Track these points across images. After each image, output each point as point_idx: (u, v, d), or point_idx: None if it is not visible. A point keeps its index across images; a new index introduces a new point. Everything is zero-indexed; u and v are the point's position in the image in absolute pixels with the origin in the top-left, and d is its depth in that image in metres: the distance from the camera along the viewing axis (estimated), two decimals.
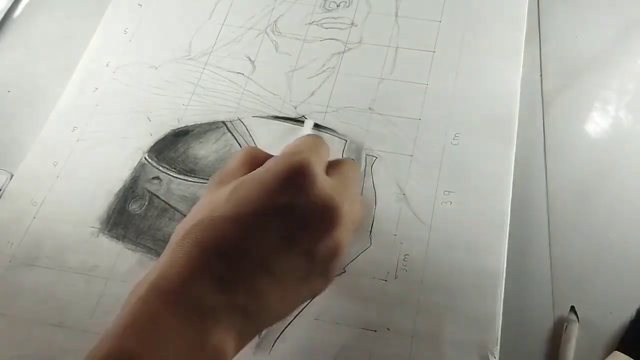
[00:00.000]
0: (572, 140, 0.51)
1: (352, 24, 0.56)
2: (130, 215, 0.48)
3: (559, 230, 0.46)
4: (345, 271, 0.44)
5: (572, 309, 0.42)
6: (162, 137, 0.51)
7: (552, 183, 0.48)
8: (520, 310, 0.43)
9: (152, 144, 0.51)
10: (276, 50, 0.55)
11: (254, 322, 0.32)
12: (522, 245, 0.46)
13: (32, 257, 0.46)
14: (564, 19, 0.57)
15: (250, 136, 0.50)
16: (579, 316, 0.42)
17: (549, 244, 0.46)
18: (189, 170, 0.49)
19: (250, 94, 0.53)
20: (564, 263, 0.45)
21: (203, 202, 0.35)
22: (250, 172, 0.35)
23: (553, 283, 0.44)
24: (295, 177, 0.33)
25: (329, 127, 0.50)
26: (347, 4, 0.58)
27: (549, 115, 0.52)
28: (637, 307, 0.43)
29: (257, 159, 0.37)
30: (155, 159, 0.50)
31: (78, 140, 0.52)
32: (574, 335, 0.41)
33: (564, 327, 0.42)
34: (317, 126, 0.50)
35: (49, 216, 0.48)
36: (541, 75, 0.54)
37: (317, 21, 0.57)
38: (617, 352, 0.41)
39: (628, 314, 0.43)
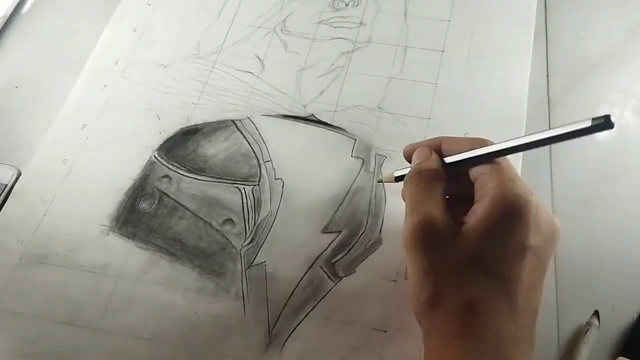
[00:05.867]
0: (577, 141, 0.50)
1: (361, 23, 0.56)
2: (140, 214, 0.48)
3: (563, 232, 0.46)
4: (355, 272, 0.44)
5: (596, 313, 0.42)
6: (171, 135, 0.51)
7: (556, 184, 0.48)
8: None
9: (161, 143, 0.51)
10: (285, 49, 0.55)
11: None
12: None
13: (43, 254, 0.46)
14: (570, 21, 0.57)
15: (260, 135, 0.50)
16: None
17: None
18: (199, 168, 0.49)
19: (259, 92, 0.53)
20: (568, 265, 0.45)
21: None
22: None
23: (557, 284, 0.44)
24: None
25: (338, 126, 0.50)
26: (356, 3, 0.58)
27: (555, 116, 0.52)
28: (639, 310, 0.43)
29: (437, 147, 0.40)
30: (165, 157, 0.50)
31: (87, 138, 0.52)
32: (592, 340, 0.41)
33: (584, 331, 0.42)
34: (326, 125, 0.51)
35: (59, 214, 0.48)
36: (547, 76, 0.54)
37: (326, 20, 0.57)
38: (622, 358, 0.41)
39: (632, 317, 0.43)
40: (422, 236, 0.35)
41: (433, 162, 0.39)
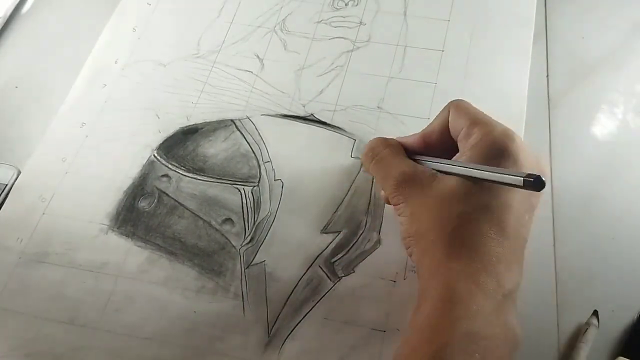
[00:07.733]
0: (577, 141, 0.51)
1: (361, 22, 0.56)
2: (139, 213, 0.48)
3: (563, 231, 0.46)
4: (354, 272, 0.44)
5: (595, 313, 0.42)
6: (171, 134, 0.51)
7: (557, 184, 0.48)
8: (523, 309, 0.43)
9: (161, 142, 0.51)
10: (285, 49, 0.55)
11: None
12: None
13: (42, 253, 0.46)
14: (571, 20, 0.57)
15: (259, 135, 0.50)
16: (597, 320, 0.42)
17: (554, 245, 0.46)
18: (198, 168, 0.49)
19: (258, 92, 0.53)
20: (568, 264, 0.45)
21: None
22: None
23: (557, 284, 0.44)
24: None
25: (337, 125, 0.50)
26: (356, 3, 0.58)
27: (555, 116, 0.52)
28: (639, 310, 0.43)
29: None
30: (165, 156, 0.50)
31: (87, 136, 0.52)
32: (591, 340, 0.41)
33: (584, 331, 0.42)
34: (325, 124, 0.51)
35: (58, 212, 0.48)
36: (547, 76, 0.54)
37: (326, 20, 0.57)
38: (621, 358, 0.41)
39: (632, 317, 0.43)
40: (401, 190, 0.38)
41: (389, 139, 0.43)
